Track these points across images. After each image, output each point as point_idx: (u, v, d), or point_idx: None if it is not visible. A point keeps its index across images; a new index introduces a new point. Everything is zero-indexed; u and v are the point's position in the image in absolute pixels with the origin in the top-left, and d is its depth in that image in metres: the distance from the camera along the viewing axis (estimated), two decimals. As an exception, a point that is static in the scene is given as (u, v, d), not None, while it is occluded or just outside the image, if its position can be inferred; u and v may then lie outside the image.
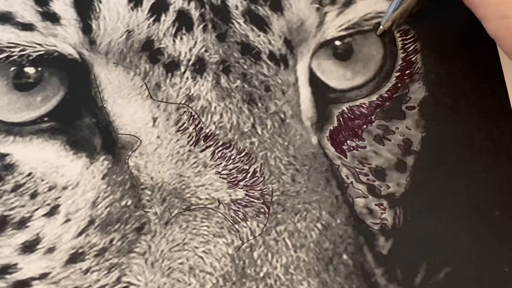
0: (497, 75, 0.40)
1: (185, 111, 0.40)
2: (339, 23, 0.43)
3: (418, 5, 0.43)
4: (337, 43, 0.43)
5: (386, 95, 0.43)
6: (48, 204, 0.38)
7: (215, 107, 0.40)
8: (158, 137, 0.40)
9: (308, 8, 0.42)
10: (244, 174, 0.40)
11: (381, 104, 0.42)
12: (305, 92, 0.42)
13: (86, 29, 0.40)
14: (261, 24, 0.42)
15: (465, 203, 0.41)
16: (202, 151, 0.40)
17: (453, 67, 0.43)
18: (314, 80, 0.42)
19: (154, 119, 0.40)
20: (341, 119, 0.42)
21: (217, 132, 0.40)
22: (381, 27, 0.43)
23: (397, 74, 0.43)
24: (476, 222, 0.41)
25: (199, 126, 0.40)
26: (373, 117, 0.42)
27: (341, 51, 0.43)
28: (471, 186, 0.41)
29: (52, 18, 0.40)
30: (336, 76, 0.42)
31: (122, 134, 0.40)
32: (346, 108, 0.42)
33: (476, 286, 0.40)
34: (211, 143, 0.40)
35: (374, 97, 0.42)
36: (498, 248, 0.40)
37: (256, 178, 0.40)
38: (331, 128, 0.42)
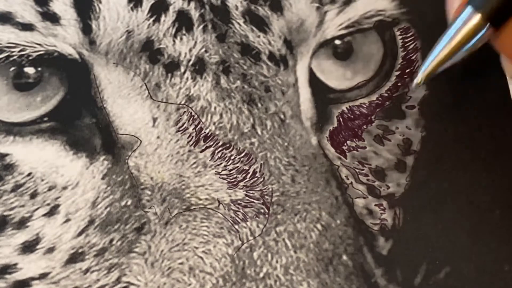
0: (498, 73, 0.40)
1: (185, 112, 0.40)
2: (339, 22, 0.43)
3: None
4: (337, 42, 0.43)
5: (386, 95, 0.42)
6: (48, 204, 0.38)
7: (215, 108, 0.40)
8: (158, 137, 0.40)
9: (308, 7, 0.42)
10: (244, 175, 0.40)
11: (381, 104, 0.42)
12: (305, 93, 0.42)
13: (86, 29, 0.40)
14: (261, 25, 0.42)
15: (465, 202, 0.41)
16: (202, 151, 0.40)
17: (453, 65, 0.43)
18: (314, 81, 0.42)
19: (154, 119, 0.40)
20: (341, 119, 0.42)
21: (217, 132, 0.40)
22: (415, 80, 0.36)
23: (397, 73, 0.43)
24: (476, 222, 0.41)
25: (199, 126, 0.40)
26: (373, 117, 0.42)
27: (341, 50, 0.43)
28: (472, 185, 0.41)
29: (52, 18, 0.40)
30: (336, 76, 0.42)
31: (122, 134, 0.40)
32: (346, 108, 0.42)
33: (476, 285, 0.40)
34: (211, 143, 0.40)
35: (374, 97, 0.42)
36: (498, 247, 0.40)
37: (256, 178, 0.40)
38: (331, 128, 0.42)
